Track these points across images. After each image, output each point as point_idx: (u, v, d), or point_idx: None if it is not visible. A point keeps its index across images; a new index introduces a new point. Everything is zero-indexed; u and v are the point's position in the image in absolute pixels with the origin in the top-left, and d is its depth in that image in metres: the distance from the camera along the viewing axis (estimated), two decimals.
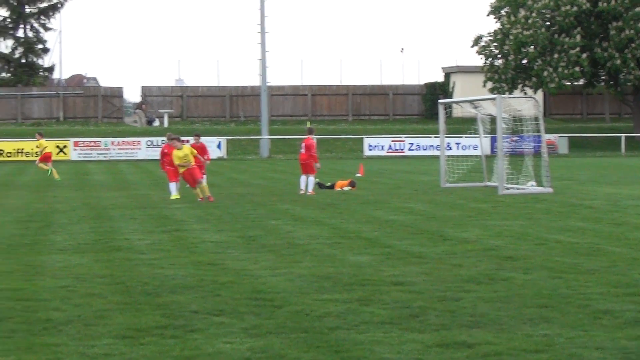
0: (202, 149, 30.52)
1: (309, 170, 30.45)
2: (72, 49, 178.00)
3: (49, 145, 42.97)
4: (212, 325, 10.90)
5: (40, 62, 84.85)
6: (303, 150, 30.71)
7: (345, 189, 32.54)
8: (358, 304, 12.11)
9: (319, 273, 14.56)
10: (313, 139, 31.17)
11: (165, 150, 29.42)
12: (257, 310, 11.73)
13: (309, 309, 11.82)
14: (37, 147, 43.22)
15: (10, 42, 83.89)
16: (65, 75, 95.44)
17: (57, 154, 59.94)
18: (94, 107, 78.59)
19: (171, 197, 28.47)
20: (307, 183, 30.69)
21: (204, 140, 33.61)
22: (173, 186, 28.78)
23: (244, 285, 13.46)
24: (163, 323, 10.96)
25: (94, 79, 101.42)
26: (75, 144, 62.08)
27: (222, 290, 13.08)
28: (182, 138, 30.27)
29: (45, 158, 41.05)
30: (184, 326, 10.82)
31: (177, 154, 27.84)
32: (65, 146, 61.41)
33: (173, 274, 14.52)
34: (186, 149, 28.20)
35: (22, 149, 60.96)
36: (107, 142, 62.65)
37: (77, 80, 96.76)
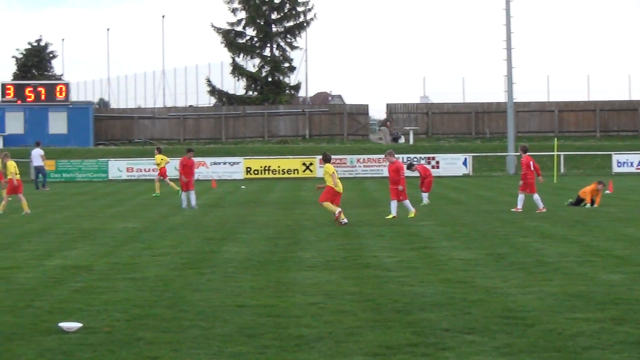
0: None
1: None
2: (317, 67, 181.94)
3: (163, 161, 44.05)
4: (463, 343, 10.96)
5: (286, 80, 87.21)
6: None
7: (587, 206, 32.02)
8: (612, 323, 11.90)
9: (571, 291, 14.38)
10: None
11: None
12: (508, 328, 11.71)
13: (561, 327, 11.70)
14: (157, 164, 44.35)
15: (257, 61, 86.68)
16: (311, 93, 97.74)
17: (304, 171, 61.55)
18: (339, 124, 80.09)
19: (387, 217, 28.75)
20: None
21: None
22: (394, 204, 28.98)
23: (495, 303, 13.45)
24: (414, 341, 11.10)
25: (339, 96, 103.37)
26: (321, 162, 63.41)
27: (472, 308, 13.12)
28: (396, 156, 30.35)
29: (161, 174, 43.11)
30: (435, 344, 10.92)
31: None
32: (311, 163, 62.86)
33: (422, 291, 14.66)
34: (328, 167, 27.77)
35: (269, 167, 62.85)
36: (353, 159, 63.68)
37: (322, 98, 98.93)
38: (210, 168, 61.80)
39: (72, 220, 29.44)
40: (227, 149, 70.70)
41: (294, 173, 62.36)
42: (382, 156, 63.33)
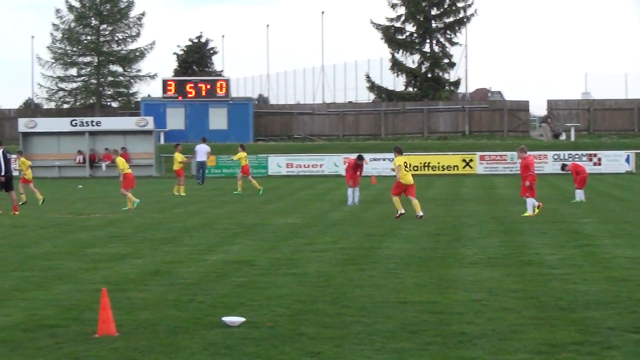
0: None
1: None
2: (477, 63, 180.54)
3: (243, 158, 43.96)
4: (629, 342, 10.75)
5: (446, 76, 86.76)
6: None
7: None
8: None
9: None
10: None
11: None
12: None
13: None
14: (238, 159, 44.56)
15: (416, 57, 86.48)
16: (470, 89, 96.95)
17: (463, 167, 61.15)
18: (499, 120, 79.25)
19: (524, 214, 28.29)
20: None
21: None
22: (530, 202, 28.48)
23: None
24: (579, 339, 10.94)
25: (499, 92, 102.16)
26: (482, 158, 62.93)
27: (638, 307, 12.83)
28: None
29: (245, 172, 43.18)
30: (600, 343, 10.74)
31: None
32: (471, 160, 62.40)
33: (586, 289, 14.41)
34: None
35: (429, 163, 62.63)
36: (513, 155, 62.90)
37: (481, 94, 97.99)
38: (370, 164, 61.97)
39: (232, 215, 29.97)
40: (386, 145, 70.81)
41: (453, 169, 62.02)
42: (544, 153, 62.49)
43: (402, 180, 27.85)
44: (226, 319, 12.10)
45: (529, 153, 29.79)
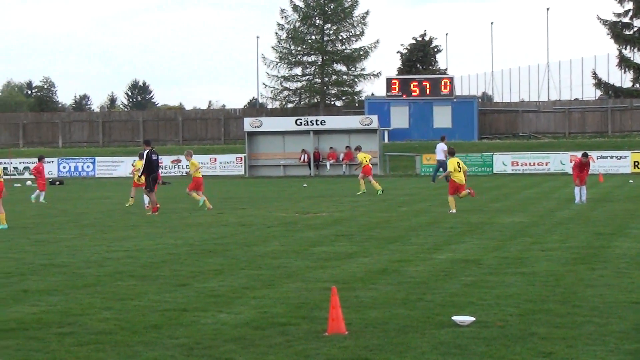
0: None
1: None
2: None
3: (365, 159, 43.27)
4: None
5: None
6: None
7: None
8: None
9: None
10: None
11: None
12: None
13: None
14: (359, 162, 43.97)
15: None
16: None
17: None
18: None
19: None
20: None
21: None
22: None
23: None
24: None
25: None
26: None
27: None
28: None
29: (366, 172, 42.68)
30: None
31: None
32: None
33: None
34: None
35: None
36: None
37: None
38: (597, 162, 60.56)
39: (458, 214, 29.82)
40: (613, 143, 69.04)
41: None
42: None
43: (456, 180, 30.29)
44: (456, 318, 12.04)
45: None
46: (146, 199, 34.66)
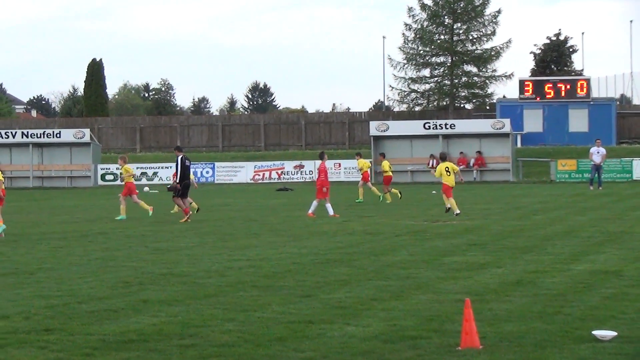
0: None
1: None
2: None
3: (365, 165, 44.77)
4: None
5: None
6: None
7: None
8: None
9: None
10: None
11: None
12: None
13: None
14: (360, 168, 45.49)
15: None
16: None
17: None
18: None
19: None
20: None
21: None
22: None
23: None
24: None
25: None
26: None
27: None
28: None
29: (364, 178, 44.22)
30: None
31: None
32: None
33: None
34: None
35: None
36: None
37: None
38: None
39: (596, 222, 29.34)
40: None
41: None
42: None
43: (447, 182, 33.59)
44: (597, 332, 11.82)
45: None
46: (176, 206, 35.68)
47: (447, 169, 33.72)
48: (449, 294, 15.62)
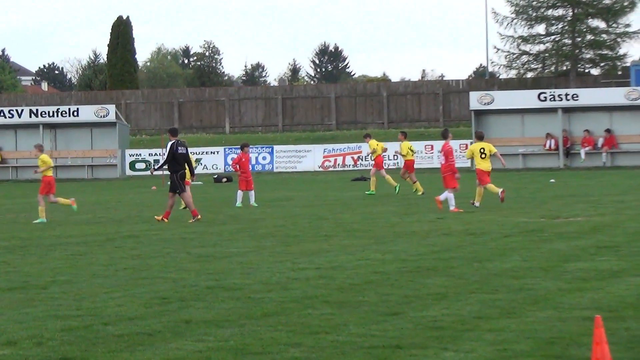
0: None
1: None
2: None
3: (379, 147, 45.61)
4: None
5: None
6: None
7: None
8: None
9: None
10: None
11: None
12: None
13: None
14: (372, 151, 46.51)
15: None
16: None
17: None
18: None
19: None
20: None
21: None
22: None
23: None
24: None
25: None
26: None
27: None
28: None
29: (377, 164, 45.77)
30: None
31: None
32: None
33: None
34: None
35: None
36: None
37: None
38: None
39: None
40: None
41: None
42: None
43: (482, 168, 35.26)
44: None
45: None
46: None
47: (482, 150, 34.92)
48: (574, 310, 15.55)
